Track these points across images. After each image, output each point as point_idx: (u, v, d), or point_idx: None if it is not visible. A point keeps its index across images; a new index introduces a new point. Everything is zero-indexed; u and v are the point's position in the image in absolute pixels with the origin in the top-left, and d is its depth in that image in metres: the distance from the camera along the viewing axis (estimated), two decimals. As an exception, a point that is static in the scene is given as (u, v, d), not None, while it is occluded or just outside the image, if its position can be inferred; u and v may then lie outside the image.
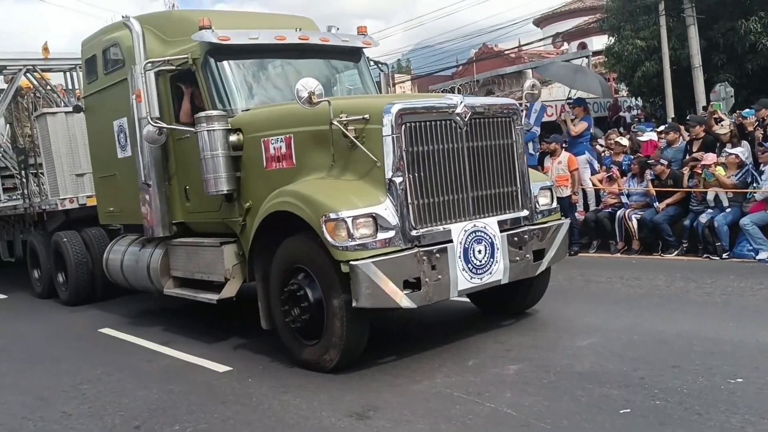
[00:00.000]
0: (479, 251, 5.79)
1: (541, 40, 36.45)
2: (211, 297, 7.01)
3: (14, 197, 13.03)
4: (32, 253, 12.24)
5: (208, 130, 6.59)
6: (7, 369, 7.21)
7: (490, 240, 5.88)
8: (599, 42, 27.77)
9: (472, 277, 5.75)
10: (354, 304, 5.31)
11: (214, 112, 6.65)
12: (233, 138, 6.69)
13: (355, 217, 5.34)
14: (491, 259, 5.88)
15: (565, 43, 37.88)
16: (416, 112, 5.70)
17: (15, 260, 15.21)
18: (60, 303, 11.06)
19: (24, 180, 11.76)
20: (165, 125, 7.15)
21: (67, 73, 13.91)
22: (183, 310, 9.13)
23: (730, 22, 18.03)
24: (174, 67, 7.30)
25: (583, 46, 33.98)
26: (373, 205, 5.45)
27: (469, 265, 5.72)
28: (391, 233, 5.45)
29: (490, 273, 5.87)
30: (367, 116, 5.63)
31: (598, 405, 4.65)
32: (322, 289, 5.61)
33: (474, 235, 5.79)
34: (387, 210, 5.45)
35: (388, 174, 5.51)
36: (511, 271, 6.05)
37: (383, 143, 5.52)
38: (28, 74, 12.93)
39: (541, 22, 41.52)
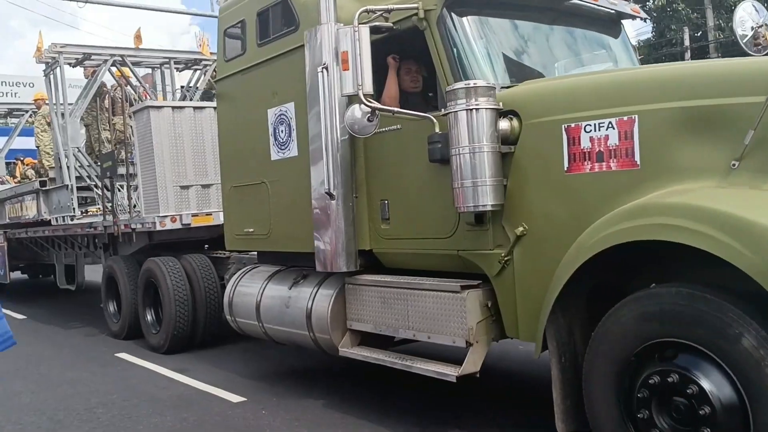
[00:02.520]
0: None
1: None
2: (445, 371, 4.55)
3: (90, 213, 10.77)
4: (109, 282, 9.92)
5: (468, 110, 4.20)
6: (23, 389, 7.16)
7: None
8: None
9: None
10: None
11: (479, 83, 4.26)
12: (504, 124, 4.30)
13: None
14: None
15: None
16: None
17: (75, 288, 13.01)
18: (147, 348, 8.69)
19: (109, 192, 9.48)
20: (383, 107, 4.79)
21: (157, 70, 11.79)
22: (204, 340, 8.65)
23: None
24: (390, 24, 4.98)
25: None
26: None
27: None
28: None
29: None
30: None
31: None
32: (745, 386, 3.10)
33: None
34: None
35: None
36: None
37: None
38: (114, 67, 10.78)
39: None
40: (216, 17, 14.31)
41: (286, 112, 5.93)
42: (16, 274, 16.86)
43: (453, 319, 4.56)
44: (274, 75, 6.05)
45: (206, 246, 9.95)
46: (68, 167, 10.15)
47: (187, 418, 5.88)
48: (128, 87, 11.64)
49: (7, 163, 18.48)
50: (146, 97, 11.73)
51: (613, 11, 5.58)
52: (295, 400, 6.10)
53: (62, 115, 10.52)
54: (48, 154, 13.67)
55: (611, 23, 5.68)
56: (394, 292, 5.06)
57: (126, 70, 11.15)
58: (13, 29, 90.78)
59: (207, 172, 8.79)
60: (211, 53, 11.16)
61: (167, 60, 11.04)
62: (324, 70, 5.21)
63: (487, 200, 4.21)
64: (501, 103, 4.26)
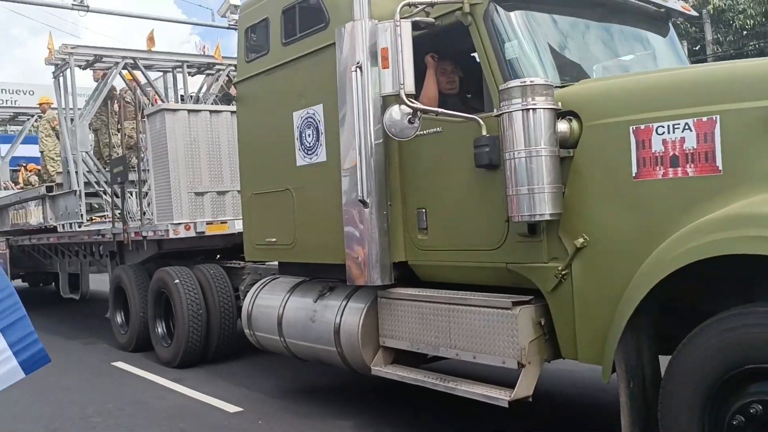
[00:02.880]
0: None
1: None
2: (495, 395, 4.18)
3: (95, 220, 10.40)
4: (117, 292, 9.55)
5: (524, 110, 3.85)
6: (19, 397, 6.78)
7: None
8: None
9: None
10: None
11: (537, 80, 3.91)
12: (562, 126, 3.95)
13: None
14: None
15: None
16: None
17: (80, 297, 12.66)
18: (157, 362, 8.31)
19: (119, 198, 9.14)
20: (426, 107, 4.44)
21: (168, 74, 11.46)
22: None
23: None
24: (431, 20, 4.65)
25: None
26: None
27: None
28: None
29: None
30: None
31: None
32: None
33: None
34: None
35: None
36: None
37: None
38: (124, 70, 10.45)
39: None
40: (217, 27, 14.21)
41: (313, 114, 5.59)
42: (16, 282, 16.58)
43: (503, 337, 4.19)
44: (300, 75, 5.72)
45: (218, 255, 9.65)
46: (76, 172, 9.80)
47: (184, 428, 5.86)
48: (138, 91, 11.35)
49: (12, 171, 18.20)
50: (156, 102, 11.42)
51: (662, 9, 5.26)
52: (293, 411, 6.07)
53: (71, 118, 10.18)
54: (52, 159, 13.35)
55: (660, 21, 5.34)
56: (435, 307, 4.70)
57: (137, 73, 10.83)
58: (14, 37, 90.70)
59: (222, 179, 8.45)
60: (223, 58, 10.87)
61: (180, 64, 10.71)
62: (357, 69, 4.87)
63: (545, 209, 3.86)
64: (559, 103, 3.92)
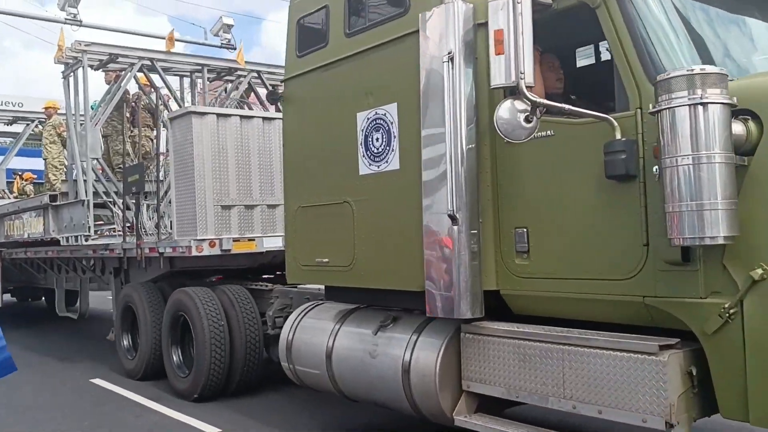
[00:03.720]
0: None
1: None
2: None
3: (106, 233, 9.51)
4: (126, 313, 8.65)
5: (692, 105, 3.07)
6: None
7: None
8: None
9: None
10: None
11: (709, 68, 3.13)
12: (737, 128, 3.17)
13: None
14: None
15: None
16: None
17: (78, 316, 11.71)
18: (171, 393, 7.40)
19: (135, 210, 8.28)
20: (552, 103, 3.65)
21: (184, 79, 10.68)
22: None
23: None
24: (549, 1, 3.88)
25: None
26: None
27: None
28: None
29: None
30: None
31: None
32: None
33: None
34: None
35: None
36: None
37: None
38: (140, 72, 9.63)
39: None
40: (209, 45, 13.71)
41: (384, 115, 4.78)
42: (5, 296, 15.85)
43: (644, 389, 3.37)
44: (368, 71, 4.92)
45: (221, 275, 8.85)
46: (85, 181, 8.93)
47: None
48: (153, 95, 10.55)
49: (8, 182, 17.38)
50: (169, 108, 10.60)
51: None
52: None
53: (80, 123, 9.34)
54: (55, 167, 12.49)
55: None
56: (544, 348, 3.86)
57: (153, 76, 10.02)
58: (6, 50, 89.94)
59: (251, 191, 7.62)
60: (246, 63, 10.10)
61: (200, 67, 9.92)
62: (449, 61, 4.10)
63: (718, 230, 3.05)
64: (735, 98, 3.13)
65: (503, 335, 4.07)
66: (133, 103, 10.64)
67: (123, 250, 8.59)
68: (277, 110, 9.11)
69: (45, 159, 12.70)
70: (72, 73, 9.25)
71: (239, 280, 8.22)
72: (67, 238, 9.27)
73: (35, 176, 17.39)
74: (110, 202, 9.50)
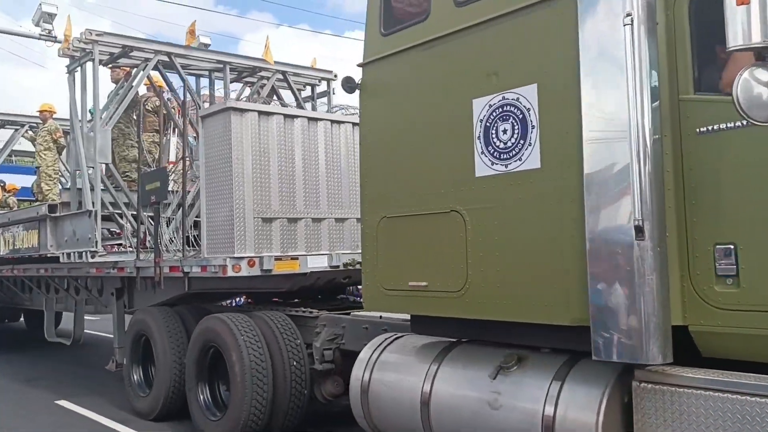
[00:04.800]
0: None
1: None
2: None
3: (114, 248, 8.35)
4: (137, 342, 7.50)
5: None
6: None
7: None
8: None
9: None
10: None
11: None
12: None
13: None
14: None
15: None
16: None
17: (72, 342, 10.46)
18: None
19: (154, 223, 7.17)
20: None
21: (201, 80, 9.63)
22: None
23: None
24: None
25: None
26: None
27: None
28: None
29: None
30: None
31: None
32: None
33: None
34: None
35: None
36: None
37: None
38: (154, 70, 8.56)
39: None
40: (26, 36, 12.97)
41: (516, 100, 3.78)
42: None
43: None
44: (492, 45, 3.92)
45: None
46: (92, 189, 7.81)
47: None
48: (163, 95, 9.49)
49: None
50: (178, 114, 9.52)
51: None
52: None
53: (86, 124, 8.24)
54: (49, 176, 11.33)
55: None
56: (780, 407, 2.85)
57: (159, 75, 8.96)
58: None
59: (295, 202, 6.56)
60: (275, 62, 9.10)
61: (221, 65, 8.87)
62: (630, 24, 3.13)
63: None
64: None
65: (711, 387, 3.05)
66: (143, 105, 9.54)
67: (136, 269, 7.45)
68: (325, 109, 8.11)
69: (38, 167, 11.53)
70: (79, 68, 8.16)
71: (271, 304, 7.14)
72: (69, 255, 8.10)
73: (19, 187, 16.15)
74: (117, 213, 8.36)
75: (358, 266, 6.80)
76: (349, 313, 6.23)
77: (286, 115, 6.57)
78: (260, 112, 6.37)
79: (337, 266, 6.72)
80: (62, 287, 10.15)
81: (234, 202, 6.15)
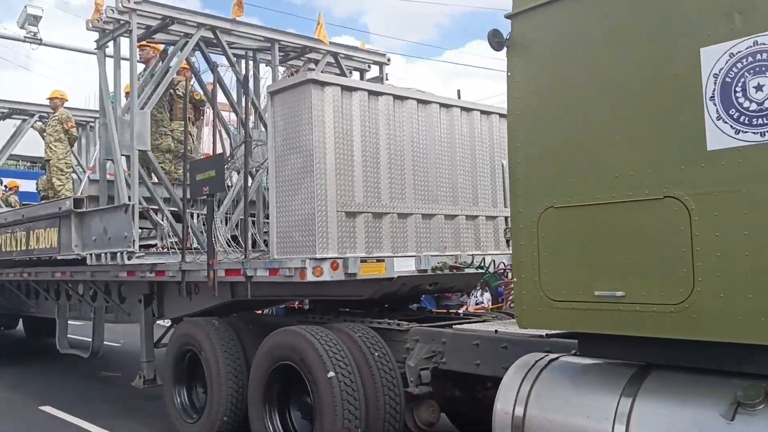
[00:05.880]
0: None
1: None
2: None
3: (151, 249, 7.28)
4: (181, 358, 6.48)
5: None
6: None
7: None
8: None
9: None
10: None
11: None
12: None
13: None
14: None
15: None
16: None
17: (90, 355, 9.39)
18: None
19: (207, 218, 6.13)
20: None
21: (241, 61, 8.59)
22: (135, 392, 7.70)
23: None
24: None
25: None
26: None
27: None
28: None
29: None
30: None
31: None
32: None
33: None
34: None
35: None
36: None
37: None
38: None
39: None
40: (10, 39, 12.47)
41: (781, 46, 2.80)
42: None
43: None
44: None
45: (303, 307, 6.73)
46: (129, 181, 6.75)
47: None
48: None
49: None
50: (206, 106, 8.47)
51: None
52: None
53: (119, 105, 7.19)
54: (61, 170, 10.28)
55: None
56: None
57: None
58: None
59: (380, 194, 5.55)
60: (330, 42, 8.10)
61: (269, 44, 7.84)
62: None
63: None
64: None
65: None
66: (171, 90, 8.52)
67: (181, 272, 6.41)
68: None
69: (48, 160, 10.44)
70: (112, 41, 7.11)
71: (331, 314, 6.12)
72: (98, 256, 7.02)
73: (20, 184, 15.02)
74: (153, 209, 7.29)
75: (447, 271, 5.85)
76: (450, 326, 5.23)
77: (370, 92, 5.56)
78: (343, 87, 5.36)
79: (425, 270, 5.73)
80: (77, 292, 9.08)
81: (315, 192, 5.12)
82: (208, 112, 9.30)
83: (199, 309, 7.07)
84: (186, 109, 7.71)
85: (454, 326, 5.21)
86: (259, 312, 7.74)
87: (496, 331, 4.83)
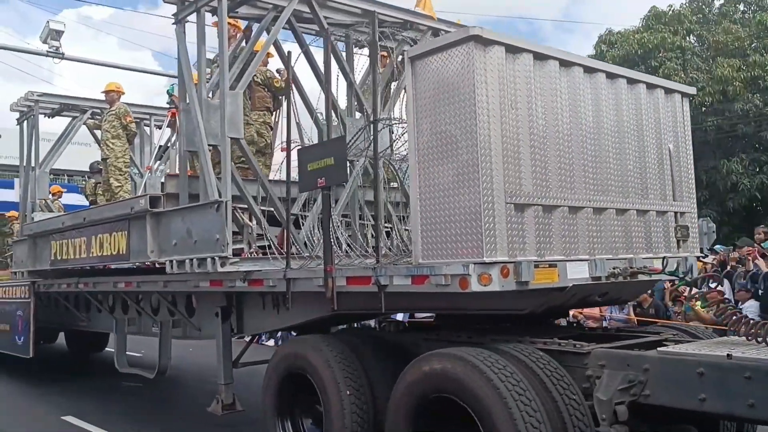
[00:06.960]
0: None
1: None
2: None
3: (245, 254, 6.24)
4: (286, 383, 5.41)
5: None
6: None
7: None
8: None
9: None
10: None
11: None
12: None
13: None
14: None
15: None
16: None
17: (156, 375, 8.33)
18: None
19: (324, 217, 5.06)
20: None
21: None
22: (162, 399, 8.31)
23: (713, 162, 19.95)
24: None
25: None
26: None
27: None
28: None
29: None
30: None
31: None
32: None
33: None
34: None
35: None
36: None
37: None
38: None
39: None
40: (34, 53, 12.13)
41: None
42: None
43: None
44: None
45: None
46: (219, 175, 5.74)
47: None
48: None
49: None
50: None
51: None
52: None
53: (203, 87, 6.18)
54: (119, 170, 9.38)
55: None
56: None
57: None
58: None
59: (548, 184, 4.43)
60: (438, 19, 7.04)
61: (365, 18, 6.79)
62: None
63: None
64: None
65: None
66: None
67: (286, 281, 5.35)
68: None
69: (105, 159, 9.51)
70: (197, 12, 6.11)
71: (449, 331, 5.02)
72: (180, 263, 5.99)
73: (64, 189, 14.17)
74: (241, 208, 6.26)
75: (629, 278, 4.74)
76: (653, 348, 4.12)
77: (536, 54, 4.47)
78: (507, 47, 4.27)
79: (599, 278, 4.61)
80: (137, 304, 8.09)
81: (480, 180, 4.03)
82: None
83: (286, 324, 6.13)
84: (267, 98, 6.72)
85: (659, 348, 4.09)
86: (373, 326, 6.68)
87: (728, 355, 3.71)
